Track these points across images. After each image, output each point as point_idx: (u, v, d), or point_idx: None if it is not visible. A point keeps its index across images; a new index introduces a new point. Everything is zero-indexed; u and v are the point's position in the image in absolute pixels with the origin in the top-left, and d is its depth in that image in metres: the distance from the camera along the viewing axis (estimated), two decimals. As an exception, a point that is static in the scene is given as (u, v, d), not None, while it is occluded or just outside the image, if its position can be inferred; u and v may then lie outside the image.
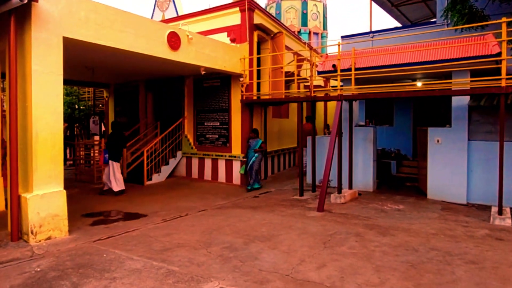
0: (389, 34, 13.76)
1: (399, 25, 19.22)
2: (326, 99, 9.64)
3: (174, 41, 8.29)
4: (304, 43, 15.43)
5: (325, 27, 26.21)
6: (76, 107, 16.88)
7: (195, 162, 11.79)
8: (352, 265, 4.86)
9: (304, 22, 25.29)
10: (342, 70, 9.11)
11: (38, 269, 4.79)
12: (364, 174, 9.85)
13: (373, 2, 16.58)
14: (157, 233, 6.28)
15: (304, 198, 9.08)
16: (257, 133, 10.46)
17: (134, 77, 12.75)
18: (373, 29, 16.16)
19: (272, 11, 25.42)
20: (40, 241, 5.78)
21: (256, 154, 10.20)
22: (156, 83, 12.94)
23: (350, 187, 9.36)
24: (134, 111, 13.67)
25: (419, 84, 10.20)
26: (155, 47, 7.88)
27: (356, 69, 9.04)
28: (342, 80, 9.80)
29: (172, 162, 11.94)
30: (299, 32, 24.78)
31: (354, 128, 9.79)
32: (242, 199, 9.14)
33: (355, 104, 10.13)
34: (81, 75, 11.52)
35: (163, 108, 13.13)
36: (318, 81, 16.29)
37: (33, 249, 5.47)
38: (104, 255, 5.27)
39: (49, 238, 5.90)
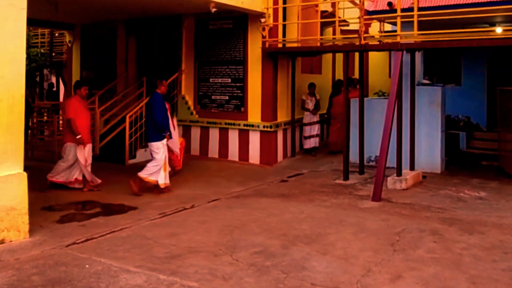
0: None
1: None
2: (381, 48, 9.75)
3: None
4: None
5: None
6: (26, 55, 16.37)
7: (195, 132, 11.74)
8: (438, 276, 4.79)
9: None
10: (402, 10, 9.07)
11: (-7, 288, 4.52)
12: (429, 150, 9.86)
13: None
14: (156, 233, 6.16)
15: (350, 182, 9.12)
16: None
17: (110, 15, 12.39)
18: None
19: None
20: (-12, 246, 5.59)
21: None
22: (142, 24, 12.75)
23: (412, 167, 9.27)
24: (109, 62, 13.37)
25: (498, 30, 10.25)
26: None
27: (420, 9, 9.01)
28: (395, 23, 9.78)
29: (164, 134, 11.68)
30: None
31: (416, 87, 9.66)
32: (266, 184, 9.13)
33: (417, 56, 10.15)
34: (37, 11, 10.92)
35: (151, 58, 12.98)
36: (357, 25, 15.84)
37: (-20, 258, 5.24)
38: (87, 265, 5.00)
39: (2, 241, 5.65)
